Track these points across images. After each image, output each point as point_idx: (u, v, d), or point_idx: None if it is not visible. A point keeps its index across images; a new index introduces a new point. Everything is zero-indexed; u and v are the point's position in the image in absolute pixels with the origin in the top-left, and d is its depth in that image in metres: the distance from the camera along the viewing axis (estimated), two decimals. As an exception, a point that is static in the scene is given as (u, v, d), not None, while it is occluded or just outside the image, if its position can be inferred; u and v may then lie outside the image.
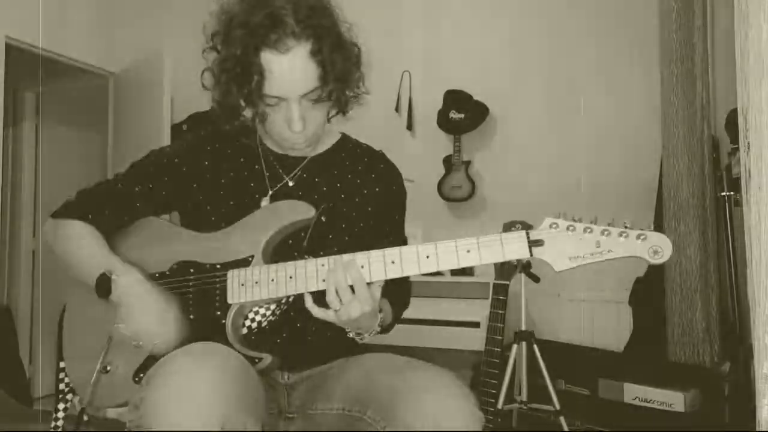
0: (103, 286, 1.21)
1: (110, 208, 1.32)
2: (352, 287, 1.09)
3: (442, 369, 1.12)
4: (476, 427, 1.05)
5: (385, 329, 1.26)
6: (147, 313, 1.19)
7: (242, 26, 1.15)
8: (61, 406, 1.32)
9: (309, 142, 1.28)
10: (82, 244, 1.28)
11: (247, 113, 1.25)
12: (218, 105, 1.25)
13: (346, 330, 1.19)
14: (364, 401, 1.14)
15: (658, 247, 1.02)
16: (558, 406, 2.46)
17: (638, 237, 1.02)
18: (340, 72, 1.20)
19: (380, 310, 1.18)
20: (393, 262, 1.10)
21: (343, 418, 1.18)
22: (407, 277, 1.15)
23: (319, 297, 1.13)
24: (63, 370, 1.32)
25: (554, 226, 1.05)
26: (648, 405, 2.54)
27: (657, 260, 1.02)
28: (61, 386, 1.32)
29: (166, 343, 1.17)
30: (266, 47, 1.14)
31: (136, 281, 1.21)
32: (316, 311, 1.12)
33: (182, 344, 1.08)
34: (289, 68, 1.16)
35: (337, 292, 1.10)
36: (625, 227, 1.03)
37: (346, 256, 1.11)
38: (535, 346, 2.53)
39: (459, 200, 3.64)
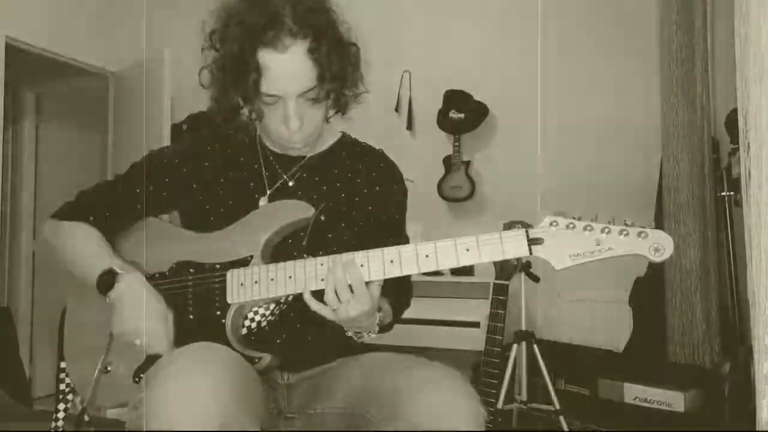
0: (106, 281, 1.21)
1: (110, 209, 1.32)
2: (351, 286, 1.09)
3: (443, 366, 1.12)
4: (479, 424, 1.04)
5: (384, 328, 1.26)
6: (147, 310, 1.19)
7: (240, 24, 1.16)
8: (61, 406, 1.32)
9: (306, 141, 1.28)
10: (86, 243, 1.29)
11: (245, 111, 1.25)
12: (216, 103, 1.25)
13: (345, 329, 1.19)
14: (366, 400, 1.14)
15: (659, 245, 1.01)
16: (558, 406, 2.46)
17: (639, 234, 1.01)
18: (337, 71, 1.20)
19: (379, 309, 1.18)
20: (392, 262, 1.09)
21: (345, 417, 1.18)
22: (408, 276, 1.15)
23: (318, 295, 1.13)
24: (63, 370, 1.32)
25: (554, 224, 1.04)
26: (648, 405, 2.53)
27: (658, 258, 1.01)
28: (62, 386, 1.32)
29: (160, 343, 1.18)
30: (263, 45, 1.14)
31: (137, 280, 1.22)
32: (314, 305, 1.12)
33: (181, 344, 1.08)
34: (287, 66, 1.16)
35: (336, 291, 1.10)
36: (626, 225, 1.02)
37: (345, 255, 1.11)
38: (535, 346, 2.53)
39: (459, 200, 3.64)
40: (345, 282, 1.09)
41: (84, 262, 1.27)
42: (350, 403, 1.17)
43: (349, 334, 1.21)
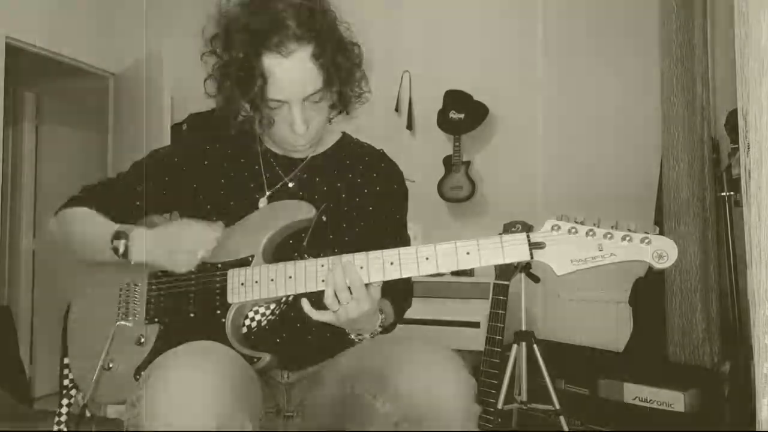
0: (121, 238, 1.21)
1: (112, 205, 1.32)
2: (350, 288, 1.09)
3: (430, 342, 1.12)
4: (468, 392, 1.04)
5: (386, 329, 1.26)
6: (178, 235, 1.21)
7: (243, 30, 1.15)
8: (65, 401, 1.32)
9: (311, 143, 1.28)
10: (95, 220, 1.29)
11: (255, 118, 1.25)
12: (222, 111, 1.24)
13: (347, 331, 1.19)
14: (355, 375, 1.14)
15: (662, 251, 0.99)
16: (558, 406, 2.46)
17: (642, 240, 0.99)
18: (343, 74, 1.20)
19: (381, 311, 1.18)
20: (392, 264, 1.09)
21: (336, 403, 1.17)
22: (408, 277, 1.15)
23: (318, 299, 1.13)
24: (67, 366, 1.32)
25: (556, 228, 1.03)
26: (648, 405, 2.53)
27: (661, 265, 0.99)
28: (65, 382, 1.32)
29: (213, 240, 1.19)
30: (268, 51, 1.14)
31: (145, 231, 1.22)
32: (315, 315, 1.12)
33: (182, 343, 1.08)
34: (292, 71, 1.15)
35: (335, 293, 1.09)
36: (629, 230, 1.00)
37: (344, 257, 1.11)
38: (535, 346, 2.53)
39: (459, 201, 3.64)
40: (344, 284, 1.09)
41: (95, 237, 1.27)
42: (340, 383, 1.17)
43: (352, 336, 1.21)
